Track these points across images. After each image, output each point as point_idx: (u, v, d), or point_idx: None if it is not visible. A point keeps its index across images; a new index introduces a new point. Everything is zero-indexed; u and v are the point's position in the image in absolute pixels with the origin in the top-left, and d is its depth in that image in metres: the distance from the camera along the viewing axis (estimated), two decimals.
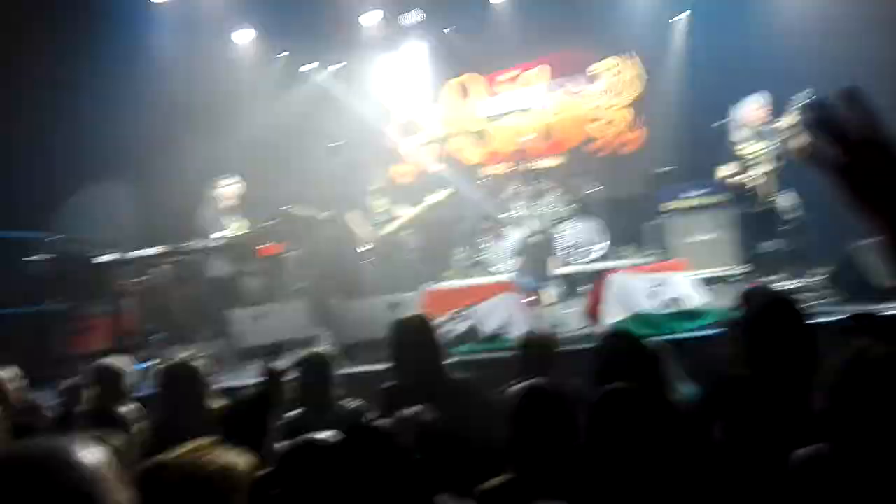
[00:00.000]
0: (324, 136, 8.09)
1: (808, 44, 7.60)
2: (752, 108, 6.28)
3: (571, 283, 7.66)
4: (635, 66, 9.36)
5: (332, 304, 6.50)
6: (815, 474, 1.56)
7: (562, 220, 8.14)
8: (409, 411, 2.19)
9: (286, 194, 7.51)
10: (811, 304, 5.01)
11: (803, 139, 5.73)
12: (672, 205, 7.72)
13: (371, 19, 9.40)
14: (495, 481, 1.86)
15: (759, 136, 6.25)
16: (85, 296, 6.83)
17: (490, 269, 8.03)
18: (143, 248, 6.64)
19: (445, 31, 9.45)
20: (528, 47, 9.32)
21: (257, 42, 9.36)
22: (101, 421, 2.86)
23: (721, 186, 6.73)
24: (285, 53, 9.50)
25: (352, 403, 3.11)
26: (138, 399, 3.62)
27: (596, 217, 8.33)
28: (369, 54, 9.62)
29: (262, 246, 6.92)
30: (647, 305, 5.15)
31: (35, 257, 6.59)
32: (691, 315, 5.10)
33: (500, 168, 9.40)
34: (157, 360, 5.92)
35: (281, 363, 2.87)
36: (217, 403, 3.15)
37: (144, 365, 5.78)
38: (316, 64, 9.62)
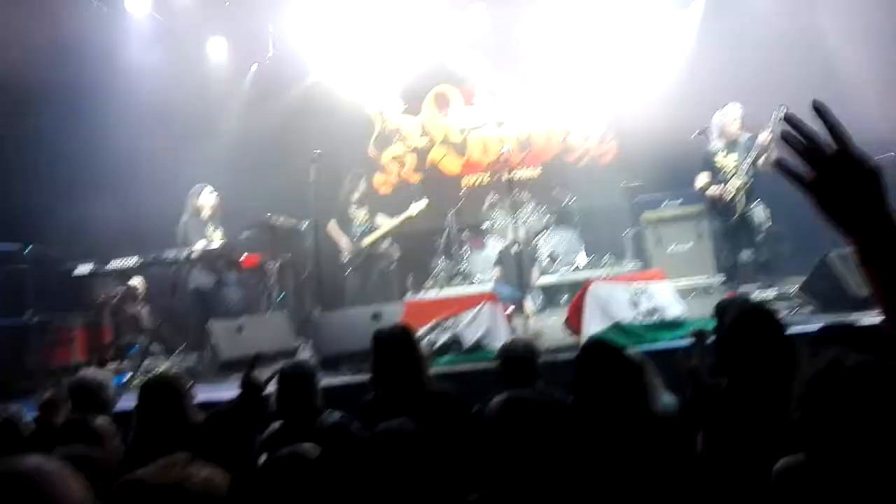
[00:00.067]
0: (303, 145, 8.08)
1: (783, 56, 7.75)
2: (728, 118, 6.34)
3: (552, 294, 7.71)
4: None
5: (313, 315, 6.48)
6: (794, 484, 1.58)
7: (541, 230, 8.19)
8: (389, 424, 2.19)
9: (266, 204, 7.48)
10: (786, 313, 5.09)
11: (776, 154, 5.81)
12: (650, 215, 7.81)
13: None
14: (476, 495, 1.86)
15: (734, 147, 6.32)
16: (63, 308, 6.75)
17: (471, 280, 8.05)
18: (121, 258, 6.58)
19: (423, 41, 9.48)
20: (505, 59, 9.41)
21: (231, 52, 9.32)
22: (79, 435, 2.82)
23: (698, 197, 6.81)
24: (255, 65, 9.46)
25: (333, 416, 3.09)
26: (117, 412, 3.58)
27: (575, 227, 8.40)
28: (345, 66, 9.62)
29: (243, 256, 6.89)
30: (627, 315, 5.19)
31: (12, 268, 6.51)
32: (671, 325, 5.15)
33: (480, 178, 9.43)
34: (136, 373, 5.88)
35: (261, 375, 2.85)
36: (197, 417, 3.12)
37: (123, 378, 5.73)
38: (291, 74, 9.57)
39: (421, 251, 8.48)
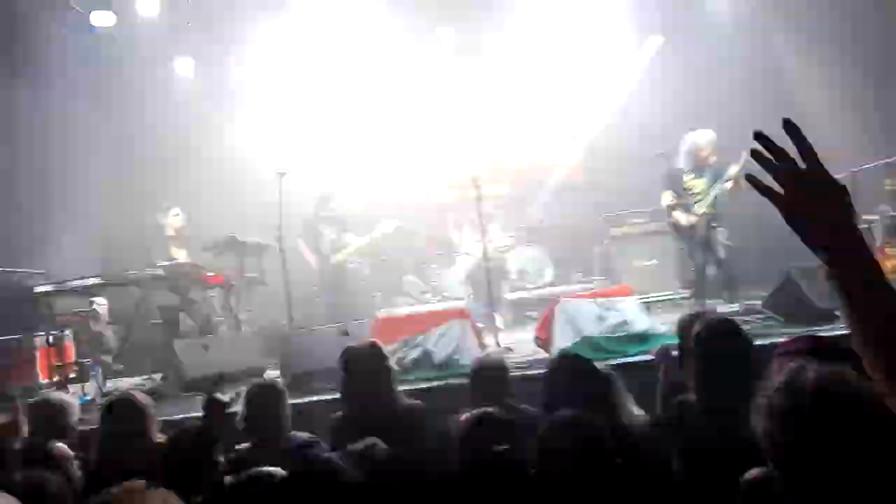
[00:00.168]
0: (271, 162, 8.03)
1: (742, 80, 7.97)
2: (700, 143, 6.32)
3: (521, 309, 7.73)
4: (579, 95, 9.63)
5: (281, 333, 6.41)
6: (760, 496, 1.60)
7: (511, 247, 8.23)
8: (358, 445, 2.16)
9: (233, 222, 7.40)
10: (750, 327, 5.16)
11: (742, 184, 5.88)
12: (617, 231, 7.90)
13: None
14: None
15: (701, 172, 6.32)
16: (24, 327, 6.58)
17: (441, 296, 8.04)
18: (84, 277, 6.44)
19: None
20: (475, 77, 9.48)
21: (197, 71, 9.24)
22: (37, 459, 2.73)
23: (664, 214, 6.87)
24: (221, 83, 9.38)
25: (300, 436, 3.05)
26: (80, 434, 3.49)
27: (544, 244, 8.46)
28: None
29: (209, 274, 6.79)
30: (595, 330, 5.23)
31: None
32: (638, 339, 5.19)
33: (449, 195, 9.46)
34: (100, 393, 5.74)
35: (225, 395, 2.80)
36: (161, 437, 3.06)
37: (87, 398, 5.60)
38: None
39: (392, 267, 8.46)
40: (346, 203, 8.11)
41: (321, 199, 7.66)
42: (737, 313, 5.86)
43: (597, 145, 9.22)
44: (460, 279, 7.68)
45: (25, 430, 3.36)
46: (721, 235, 6.28)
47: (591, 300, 5.59)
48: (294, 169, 6.95)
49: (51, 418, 3.38)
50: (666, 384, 3.16)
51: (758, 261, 6.90)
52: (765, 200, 1.17)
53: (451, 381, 4.76)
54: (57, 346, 6.35)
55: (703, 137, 6.33)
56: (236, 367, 5.67)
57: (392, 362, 3.52)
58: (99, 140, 7.67)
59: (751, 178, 1.19)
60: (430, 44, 9.38)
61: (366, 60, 9.23)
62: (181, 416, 4.49)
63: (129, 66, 8.35)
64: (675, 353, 3.31)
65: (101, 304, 6.59)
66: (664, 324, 5.36)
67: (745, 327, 2.69)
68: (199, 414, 2.72)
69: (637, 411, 3.04)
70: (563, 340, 5.16)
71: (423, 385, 4.90)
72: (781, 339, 3.01)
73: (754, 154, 1.17)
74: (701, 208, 6.27)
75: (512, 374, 3.65)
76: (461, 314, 5.62)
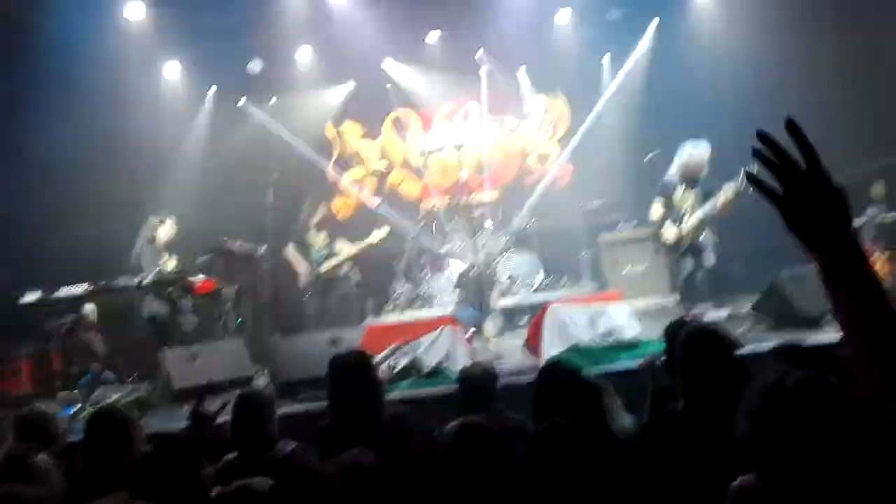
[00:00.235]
0: (260, 169, 8.01)
1: (728, 86, 8.02)
2: (695, 157, 6.23)
3: (511, 316, 7.74)
4: (563, 103, 9.66)
5: (270, 341, 6.38)
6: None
7: (501, 253, 8.23)
8: (346, 455, 2.15)
9: (223, 228, 7.37)
10: (738, 333, 5.17)
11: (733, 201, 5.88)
12: (607, 237, 7.93)
13: (305, 55, 9.41)
14: None
15: (693, 184, 6.26)
16: (9, 337, 6.52)
17: (431, 304, 8.03)
18: (71, 286, 6.39)
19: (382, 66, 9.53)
20: (463, 84, 9.50)
21: (186, 75, 9.20)
22: (17, 473, 2.70)
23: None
24: (213, 88, 9.35)
25: (288, 446, 3.03)
26: (66, 445, 3.45)
27: (534, 250, 8.47)
28: (303, 89, 9.59)
29: (198, 282, 6.75)
30: (585, 337, 5.23)
31: None
32: (628, 346, 5.20)
33: (439, 202, 9.47)
34: (86, 404, 5.69)
35: (212, 405, 2.78)
36: (146, 449, 3.03)
37: (71, 409, 5.54)
38: (244, 99, 9.48)
39: (381, 275, 8.44)
40: (336, 209, 8.12)
41: (311, 205, 7.65)
42: (724, 319, 5.87)
43: (585, 150, 9.25)
44: (451, 286, 7.68)
45: (9, 442, 3.32)
46: (709, 240, 6.27)
47: (582, 306, 5.60)
48: (285, 174, 6.97)
49: (36, 430, 3.34)
50: (655, 391, 3.16)
51: (746, 266, 6.93)
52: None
53: (440, 389, 4.75)
54: (43, 357, 6.30)
55: (697, 152, 6.22)
56: (225, 376, 5.63)
57: (381, 370, 3.51)
58: (87, 144, 7.61)
59: (752, 177, 1.19)
60: (418, 48, 9.39)
61: (351, 64, 9.23)
62: (169, 426, 4.46)
63: (117, 69, 8.30)
64: (660, 360, 3.31)
65: (88, 312, 6.54)
66: (654, 330, 5.37)
67: (730, 333, 2.69)
68: (186, 424, 2.70)
69: (627, 419, 3.04)
70: (552, 347, 5.17)
71: (413, 393, 4.90)
72: (768, 345, 3.02)
73: (756, 153, 1.17)
74: (688, 224, 6.22)
75: (501, 381, 3.65)
76: (451, 322, 5.61)
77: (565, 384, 2.81)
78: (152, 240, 6.82)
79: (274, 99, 9.51)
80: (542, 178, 9.70)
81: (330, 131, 9.87)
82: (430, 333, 5.45)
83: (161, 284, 6.50)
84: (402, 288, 8.34)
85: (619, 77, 9.18)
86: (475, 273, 6.88)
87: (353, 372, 3.24)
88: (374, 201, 9.51)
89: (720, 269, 6.29)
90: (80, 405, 5.69)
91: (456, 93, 9.71)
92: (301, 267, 7.46)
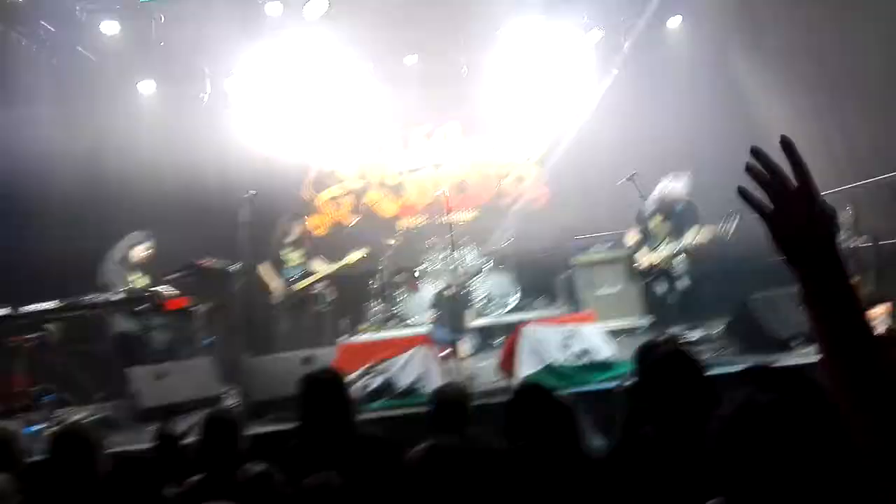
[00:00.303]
0: (236, 186, 7.94)
1: (704, 108, 8.14)
2: (675, 188, 6.38)
3: (486, 336, 7.73)
4: (540, 124, 9.75)
5: (241, 360, 6.28)
6: None
7: (476, 273, 8.24)
8: (315, 478, 2.11)
9: (197, 246, 7.28)
10: (709, 355, 5.22)
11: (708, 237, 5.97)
12: (581, 258, 7.98)
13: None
14: None
15: (670, 215, 6.39)
16: None
17: (406, 323, 7.99)
18: (36, 302, 6.25)
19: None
20: (441, 105, 9.55)
21: (160, 92, 9.14)
22: None
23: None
24: (187, 107, 9.28)
25: (256, 467, 2.97)
26: (27, 465, 3.36)
27: (510, 270, 8.49)
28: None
29: (169, 299, 6.64)
30: (559, 357, 5.24)
31: None
32: (601, 367, 5.21)
33: (415, 221, 9.47)
34: (50, 423, 5.55)
35: (178, 425, 2.72)
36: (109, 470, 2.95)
37: (35, 428, 5.41)
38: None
39: (356, 293, 8.39)
40: (313, 227, 8.03)
41: (286, 223, 7.58)
42: (696, 340, 5.93)
43: (561, 170, 9.32)
44: (426, 305, 7.65)
45: None
46: (682, 264, 6.34)
47: (556, 326, 5.61)
48: (260, 191, 6.90)
49: None
50: (627, 413, 3.16)
51: (718, 287, 6.99)
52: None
53: (414, 409, 4.71)
54: (6, 375, 6.14)
55: (675, 186, 6.38)
56: (193, 396, 5.54)
57: (354, 390, 3.47)
58: (62, 161, 7.51)
59: (742, 192, 1.20)
60: (395, 71, 9.43)
61: (331, 86, 9.25)
62: (135, 446, 4.36)
63: (90, 87, 8.23)
64: (628, 382, 3.32)
65: (54, 330, 6.39)
66: (627, 351, 5.39)
67: (701, 356, 2.71)
68: (151, 445, 2.64)
69: (598, 441, 3.04)
70: (526, 368, 5.16)
71: (387, 413, 4.85)
72: (737, 368, 3.04)
73: (749, 168, 1.18)
74: (662, 254, 6.34)
75: (475, 402, 3.63)
76: (425, 341, 5.58)
77: (537, 406, 2.81)
78: (125, 259, 6.72)
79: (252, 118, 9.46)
80: (518, 199, 9.76)
81: (307, 150, 9.83)
82: (405, 353, 5.41)
83: (132, 301, 6.39)
84: (377, 307, 8.30)
85: (596, 100, 9.28)
86: (450, 293, 6.85)
87: (326, 391, 3.20)
88: (350, 219, 9.48)
89: (692, 291, 6.35)
90: (43, 424, 5.55)
91: (434, 113, 9.76)
92: (275, 284, 7.39)
